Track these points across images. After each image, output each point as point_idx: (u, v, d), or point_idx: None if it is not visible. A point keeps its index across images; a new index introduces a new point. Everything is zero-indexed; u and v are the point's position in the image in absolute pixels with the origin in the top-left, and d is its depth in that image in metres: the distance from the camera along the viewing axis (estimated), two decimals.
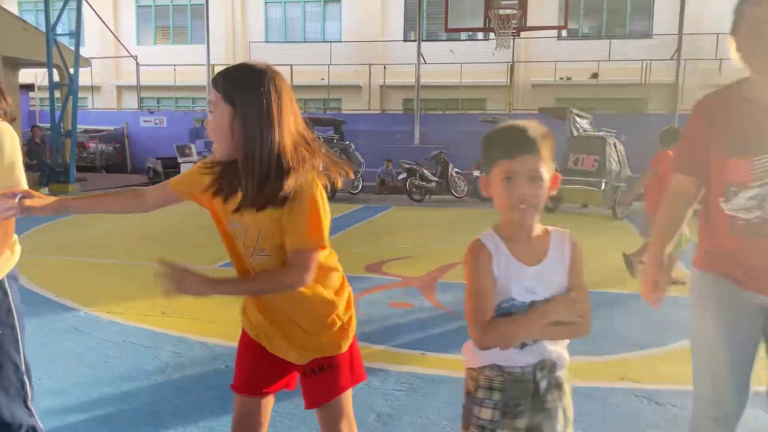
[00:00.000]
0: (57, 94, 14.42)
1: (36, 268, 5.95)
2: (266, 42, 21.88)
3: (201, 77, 21.87)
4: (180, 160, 16.02)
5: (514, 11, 14.13)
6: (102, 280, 5.81)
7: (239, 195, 1.72)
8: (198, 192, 1.84)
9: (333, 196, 11.47)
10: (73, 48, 13.95)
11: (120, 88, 23.33)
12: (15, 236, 2.04)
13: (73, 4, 14.04)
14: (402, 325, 4.60)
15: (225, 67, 1.79)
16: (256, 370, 1.90)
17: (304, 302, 1.79)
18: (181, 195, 1.90)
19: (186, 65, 20.90)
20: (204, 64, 20.25)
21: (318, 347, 1.84)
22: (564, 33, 19.83)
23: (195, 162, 16.08)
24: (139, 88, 21.07)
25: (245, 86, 1.66)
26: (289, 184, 1.65)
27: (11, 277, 2.02)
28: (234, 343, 2.03)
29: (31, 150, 13.62)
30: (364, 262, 6.55)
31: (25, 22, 16.30)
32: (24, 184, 1.95)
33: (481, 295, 1.52)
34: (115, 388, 3.35)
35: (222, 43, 20.92)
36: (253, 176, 1.66)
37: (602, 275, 5.98)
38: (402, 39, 21.15)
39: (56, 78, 14.50)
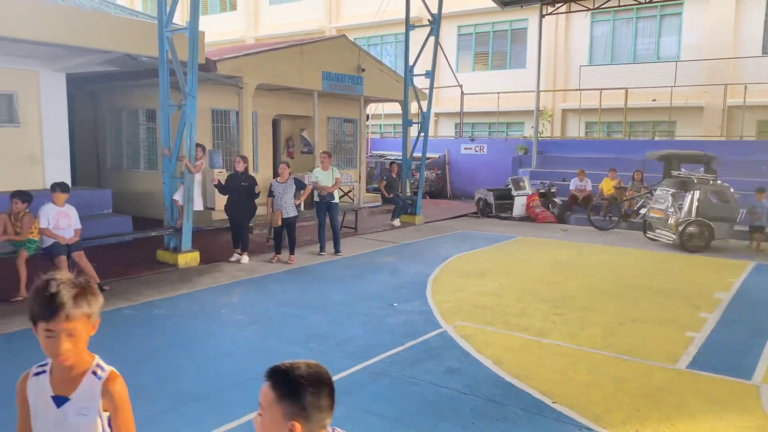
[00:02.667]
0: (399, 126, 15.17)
1: (480, 340, 5.71)
2: (590, 65, 20.59)
3: (517, 103, 21.58)
4: (514, 193, 15.71)
5: None
6: (569, 373, 5.28)
7: None
8: None
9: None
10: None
11: (438, 115, 24.23)
12: None
13: (429, 45, 14.62)
14: None
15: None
16: None
17: None
18: None
19: (511, 92, 20.71)
20: (528, 91, 19.83)
21: None
22: None
23: (529, 195, 15.73)
24: (462, 115, 21.56)
25: None
26: None
27: None
28: None
29: (389, 184, 14.50)
30: None
31: (387, 67, 17.62)
32: None
33: None
34: None
35: (543, 67, 20.22)
36: None
37: None
38: (761, 53, 18.02)
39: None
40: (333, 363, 5.41)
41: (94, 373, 1.92)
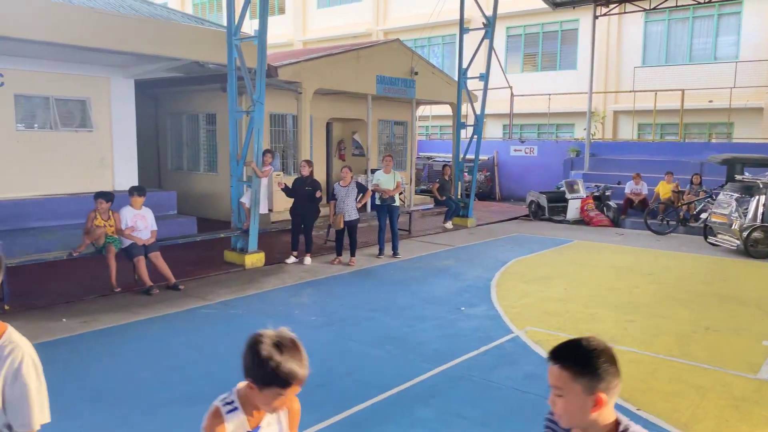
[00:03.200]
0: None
1: None
2: (644, 66, 20.25)
3: (567, 104, 21.37)
4: (569, 195, 15.58)
5: None
6: (650, 381, 5.29)
7: None
8: None
9: None
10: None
11: (486, 117, 24.14)
12: None
13: (483, 48, 14.64)
14: None
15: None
16: None
17: None
18: None
19: (563, 94, 20.53)
20: (580, 92, 19.63)
21: None
22: None
23: (583, 198, 15.58)
24: (511, 116, 21.47)
25: None
26: None
27: None
28: None
29: (442, 187, 14.58)
30: None
31: (438, 70, 17.71)
32: None
33: None
34: None
35: (594, 68, 19.95)
36: None
37: None
38: None
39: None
40: (411, 366, 5.55)
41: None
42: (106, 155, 11.90)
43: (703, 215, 12.93)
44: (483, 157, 20.84)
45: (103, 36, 9.16)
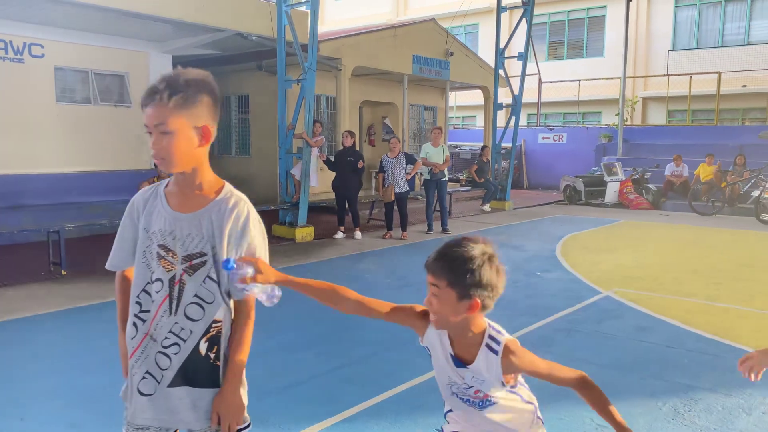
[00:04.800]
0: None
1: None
2: (674, 50, 19.96)
3: (594, 91, 21.08)
4: (607, 179, 15.27)
5: None
6: None
7: None
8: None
9: None
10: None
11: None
12: None
13: (522, 28, 14.37)
14: None
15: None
16: None
17: None
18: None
19: (594, 79, 20.22)
20: (610, 78, 19.36)
21: None
22: None
23: (622, 181, 15.25)
24: (539, 104, 21.18)
25: None
26: None
27: None
28: None
29: (480, 169, 14.26)
30: None
31: (472, 52, 17.45)
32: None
33: None
34: None
35: (621, 55, 19.68)
36: None
37: None
38: None
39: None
40: (512, 320, 5.24)
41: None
42: (144, 132, 11.59)
43: (755, 193, 12.60)
44: (509, 144, 20.57)
45: (145, 1, 8.88)
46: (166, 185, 1.80)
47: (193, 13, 9.57)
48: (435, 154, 10.36)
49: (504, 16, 15.07)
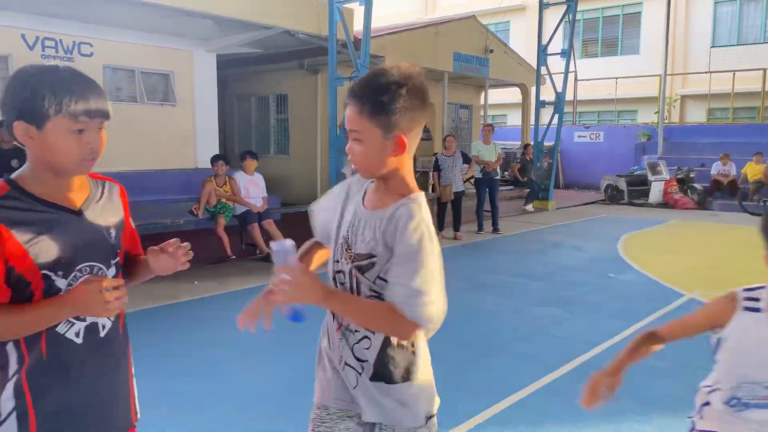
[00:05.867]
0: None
1: None
2: (714, 47, 19.53)
3: (630, 89, 20.72)
4: (651, 178, 14.93)
5: None
6: None
7: None
8: None
9: None
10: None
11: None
12: None
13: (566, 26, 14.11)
14: None
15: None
16: None
17: None
18: None
19: (632, 77, 19.84)
20: (648, 75, 19.00)
21: None
22: None
23: (666, 180, 14.91)
24: (575, 102, 20.84)
25: None
26: None
27: None
28: None
29: (523, 168, 14.02)
30: None
31: (510, 50, 17.19)
32: None
33: None
34: None
35: (660, 52, 19.32)
36: None
37: None
38: None
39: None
40: (602, 324, 5.03)
41: None
42: (189, 131, 11.53)
43: None
44: (548, 143, 20.28)
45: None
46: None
47: (243, 10, 9.45)
48: (487, 152, 10.15)
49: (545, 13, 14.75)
